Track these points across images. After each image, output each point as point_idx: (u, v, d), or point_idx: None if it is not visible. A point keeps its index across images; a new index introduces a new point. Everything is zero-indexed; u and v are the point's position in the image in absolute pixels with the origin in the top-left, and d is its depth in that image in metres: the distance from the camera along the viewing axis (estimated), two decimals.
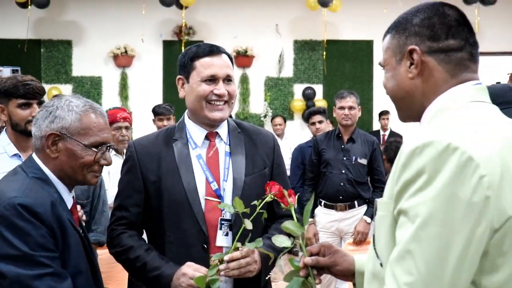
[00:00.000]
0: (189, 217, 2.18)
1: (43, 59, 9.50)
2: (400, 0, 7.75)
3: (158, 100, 9.23)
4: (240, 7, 9.61)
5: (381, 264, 1.34)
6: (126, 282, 3.88)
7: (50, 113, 1.94)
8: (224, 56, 2.27)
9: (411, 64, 1.40)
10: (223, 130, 2.34)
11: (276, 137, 3.05)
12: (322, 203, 4.78)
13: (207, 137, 2.31)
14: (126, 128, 4.30)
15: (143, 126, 7.25)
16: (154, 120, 5.53)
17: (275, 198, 2.00)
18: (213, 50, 2.24)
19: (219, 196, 2.21)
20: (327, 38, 9.55)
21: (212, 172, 2.24)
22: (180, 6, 8.83)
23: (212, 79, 2.22)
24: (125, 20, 9.45)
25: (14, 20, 9.19)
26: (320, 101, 9.65)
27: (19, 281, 1.72)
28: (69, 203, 1.99)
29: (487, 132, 1.24)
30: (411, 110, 1.46)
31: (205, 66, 2.22)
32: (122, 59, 9.52)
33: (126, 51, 9.48)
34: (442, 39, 1.38)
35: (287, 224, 1.88)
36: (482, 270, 1.18)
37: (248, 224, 1.99)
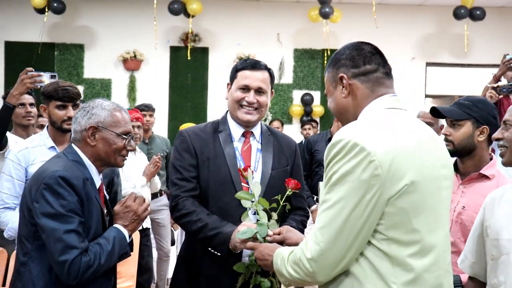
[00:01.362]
0: (231, 192, 2.51)
1: (57, 61, 9.71)
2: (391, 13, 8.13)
3: (164, 101, 9.55)
4: (244, 16, 9.82)
5: None
6: (136, 263, 4.32)
7: (88, 112, 2.43)
8: (262, 71, 2.67)
9: (343, 87, 1.85)
10: (257, 130, 2.73)
11: None
12: (315, 198, 5.23)
13: (243, 135, 2.69)
14: (138, 127, 4.76)
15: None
16: None
17: (293, 191, 2.43)
18: (253, 66, 2.66)
19: (248, 182, 2.53)
20: (325, 47, 9.73)
21: (245, 162, 2.62)
22: (187, 15, 9.08)
23: (246, 88, 2.63)
24: (135, 26, 9.66)
25: (31, 25, 9.40)
26: (317, 107, 9.89)
27: (53, 233, 2.16)
28: (98, 183, 2.44)
29: (386, 130, 1.70)
30: (349, 120, 1.85)
31: (243, 77, 2.64)
32: (131, 63, 9.72)
33: (135, 56, 9.68)
34: (360, 66, 1.84)
35: (241, 194, 2.41)
36: (391, 225, 1.64)
37: (274, 216, 2.39)
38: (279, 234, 2.24)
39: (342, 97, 1.86)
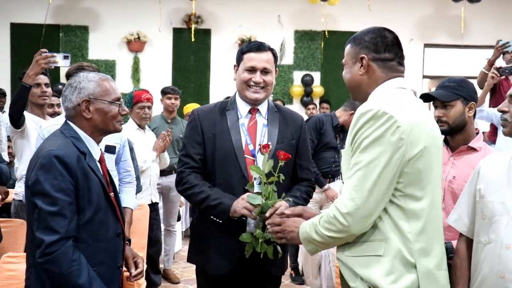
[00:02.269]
0: (234, 165, 2.75)
1: (62, 43, 9.83)
2: None
3: (168, 83, 9.59)
4: None
5: None
6: (146, 235, 4.52)
7: (76, 87, 2.43)
8: (267, 53, 2.83)
9: (361, 66, 2.13)
10: (263, 107, 2.90)
11: None
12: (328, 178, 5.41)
13: (250, 111, 2.88)
14: (148, 107, 4.92)
15: (153, 106, 7.73)
16: (161, 100, 6.04)
17: (284, 162, 2.61)
18: (258, 48, 2.83)
19: (253, 155, 2.78)
20: (325, 29, 9.87)
21: (250, 137, 2.81)
22: None
23: (252, 70, 2.80)
24: (138, 8, 9.77)
25: (36, 7, 9.54)
26: (317, 87, 10.05)
27: (40, 213, 2.20)
28: (97, 155, 2.48)
29: (403, 103, 2.01)
30: (359, 94, 2.19)
31: (249, 59, 2.81)
32: (135, 44, 9.85)
33: (138, 37, 9.80)
34: (381, 52, 2.12)
35: (253, 168, 2.62)
36: (408, 183, 1.96)
37: (273, 187, 2.60)
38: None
39: (359, 74, 2.14)
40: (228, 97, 3.24)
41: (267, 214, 2.50)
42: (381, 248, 1.97)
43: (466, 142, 2.77)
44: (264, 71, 2.81)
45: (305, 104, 9.74)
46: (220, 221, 2.73)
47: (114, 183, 2.64)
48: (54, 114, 5.15)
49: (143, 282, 4.49)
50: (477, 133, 2.82)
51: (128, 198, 3.82)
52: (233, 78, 2.92)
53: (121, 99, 2.53)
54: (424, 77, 10.49)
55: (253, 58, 2.81)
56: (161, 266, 5.65)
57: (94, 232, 2.36)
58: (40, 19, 9.61)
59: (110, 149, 3.61)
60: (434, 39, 10.26)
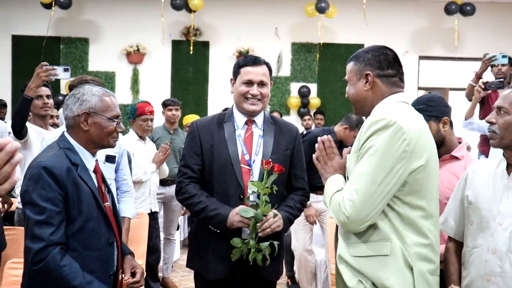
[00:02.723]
0: (231, 175, 2.85)
1: (62, 54, 9.95)
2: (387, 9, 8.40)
3: (167, 94, 9.73)
4: (243, 11, 10.06)
5: None
6: (145, 243, 4.60)
7: (78, 98, 2.49)
8: (262, 66, 2.95)
9: (366, 82, 2.27)
10: (259, 119, 3.00)
11: None
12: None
13: (246, 123, 2.98)
14: (151, 120, 5.02)
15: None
16: (163, 112, 6.13)
17: (278, 174, 2.75)
18: (254, 62, 2.94)
19: (249, 165, 2.89)
20: (322, 41, 10.01)
21: (247, 147, 2.92)
22: (189, 10, 9.35)
23: (249, 83, 2.91)
24: (138, 21, 9.91)
25: (37, 19, 9.67)
26: (314, 99, 10.14)
27: (28, 222, 2.27)
28: (92, 165, 2.53)
29: (408, 115, 2.14)
30: (363, 108, 2.32)
31: (246, 72, 2.92)
32: (134, 56, 9.96)
33: (138, 49, 9.92)
34: (384, 69, 2.26)
35: (253, 183, 2.74)
36: (408, 192, 2.08)
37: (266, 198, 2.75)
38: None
39: (364, 90, 2.28)
40: (226, 109, 3.39)
41: (259, 225, 2.70)
42: (387, 247, 2.08)
43: (448, 152, 2.85)
44: (261, 84, 2.92)
45: (302, 115, 9.85)
46: (218, 231, 2.85)
47: (112, 193, 2.69)
48: (53, 125, 5.26)
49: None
50: (460, 142, 2.92)
51: (126, 208, 3.88)
52: (230, 91, 3.03)
53: (120, 117, 2.59)
54: (419, 88, 10.61)
55: (250, 72, 2.91)
56: (160, 274, 5.73)
57: (84, 240, 2.40)
58: (40, 31, 9.76)
59: (110, 159, 3.67)
60: (428, 52, 10.40)
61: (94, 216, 2.45)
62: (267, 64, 3.00)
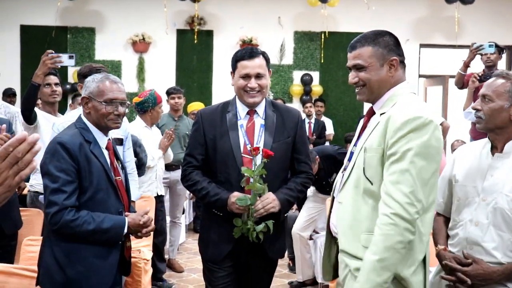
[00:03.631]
0: (233, 165, 2.94)
1: (69, 44, 10.10)
2: None
3: (172, 82, 9.81)
4: (246, 1, 10.17)
5: (371, 183, 2.18)
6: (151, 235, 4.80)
7: (85, 85, 2.83)
8: (259, 58, 2.97)
9: (391, 67, 2.23)
10: (260, 108, 3.06)
11: None
12: None
13: (248, 113, 3.04)
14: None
15: None
16: (167, 100, 6.36)
17: (267, 159, 2.82)
18: (250, 55, 2.96)
19: (251, 154, 2.94)
20: (324, 30, 10.10)
21: (248, 137, 2.99)
22: (194, 0, 9.49)
23: (247, 76, 2.96)
24: (143, 10, 10.03)
25: (45, 9, 9.84)
26: (316, 86, 10.27)
27: (45, 190, 2.61)
28: (103, 143, 2.80)
29: (433, 111, 2.24)
30: (379, 95, 2.27)
31: (243, 66, 2.96)
32: (140, 45, 10.10)
33: (143, 38, 10.05)
34: (401, 54, 2.29)
35: (244, 170, 2.84)
36: None
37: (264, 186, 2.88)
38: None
39: (389, 75, 2.25)
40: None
41: (253, 207, 2.85)
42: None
43: None
44: (258, 76, 2.97)
45: (304, 102, 10.01)
46: (221, 214, 2.99)
47: (126, 169, 2.98)
48: None
49: (149, 268, 4.80)
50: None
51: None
52: (231, 83, 3.09)
53: (117, 101, 2.79)
54: (420, 76, 10.74)
55: (246, 66, 2.96)
56: (166, 256, 5.92)
57: (94, 209, 2.68)
58: (48, 21, 9.91)
59: (118, 141, 3.87)
60: (429, 40, 10.49)
61: (103, 187, 2.72)
62: (264, 54, 3.03)
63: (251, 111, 3.06)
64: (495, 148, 2.51)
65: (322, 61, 10.40)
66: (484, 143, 2.58)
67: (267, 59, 3.05)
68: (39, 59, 4.03)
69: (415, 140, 2.08)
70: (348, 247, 2.25)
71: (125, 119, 5.14)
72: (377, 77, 2.25)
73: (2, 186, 1.33)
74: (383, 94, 2.29)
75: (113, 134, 3.61)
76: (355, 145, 2.38)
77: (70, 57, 4.09)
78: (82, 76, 3.86)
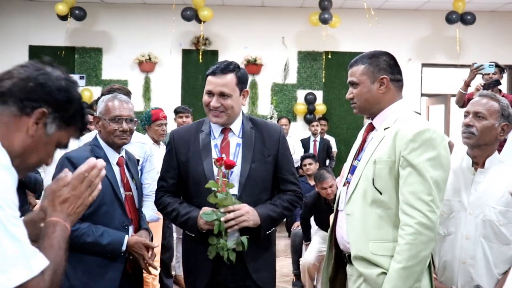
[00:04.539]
0: (205, 191, 2.64)
1: (77, 64, 10.21)
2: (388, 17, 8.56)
3: (177, 101, 9.97)
4: (251, 21, 10.34)
5: (380, 193, 2.29)
6: (160, 242, 4.86)
7: (97, 105, 3.02)
8: (227, 76, 2.69)
9: (381, 85, 2.38)
10: (236, 126, 2.80)
11: None
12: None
13: (222, 131, 2.79)
14: (165, 124, 5.37)
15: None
16: (175, 119, 6.51)
17: (226, 169, 2.62)
18: (216, 72, 2.70)
19: (227, 177, 2.68)
20: (327, 50, 10.28)
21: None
22: (199, 21, 9.65)
23: (210, 93, 2.71)
24: (149, 31, 10.21)
25: (53, 30, 10.03)
26: (320, 105, 10.37)
27: None
28: (114, 159, 2.93)
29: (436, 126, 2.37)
30: (372, 110, 2.43)
31: (208, 82, 2.72)
32: (146, 65, 10.25)
33: (149, 58, 10.20)
34: (395, 74, 2.42)
35: (209, 184, 2.61)
36: None
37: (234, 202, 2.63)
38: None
39: (379, 93, 2.39)
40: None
41: (222, 219, 2.58)
42: None
43: None
44: (222, 95, 2.70)
45: (308, 121, 10.12)
46: (193, 235, 2.75)
47: (142, 187, 3.10)
48: (86, 130, 5.60)
49: (157, 284, 4.91)
50: None
51: (145, 211, 4.06)
52: None
53: (121, 117, 2.93)
54: (422, 95, 10.84)
55: (210, 82, 2.72)
56: (173, 272, 5.98)
57: (98, 221, 2.77)
58: (56, 42, 10.08)
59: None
60: (431, 59, 10.61)
61: (108, 201, 2.81)
62: (237, 72, 2.74)
63: (226, 129, 2.81)
64: (476, 164, 2.63)
65: (325, 80, 10.52)
66: (462, 159, 2.70)
67: (241, 78, 2.76)
68: None
69: (428, 151, 2.22)
70: (361, 254, 2.34)
71: (147, 141, 5.26)
72: (368, 94, 2.41)
73: (82, 205, 1.64)
74: (377, 109, 2.43)
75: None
76: (357, 159, 2.48)
77: (81, 78, 4.25)
78: (102, 96, 4.02)
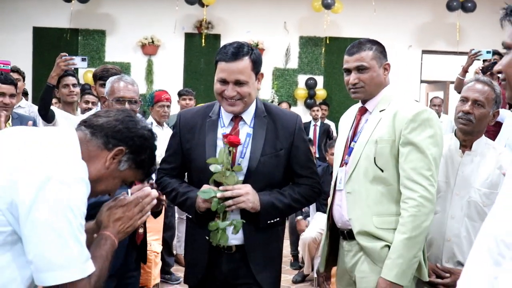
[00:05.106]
0: (209, 178, 2.47)
1: (80, 46, 10.36)
2: (389, 3, 8.68)
3: (179, 84, 10.11)
4: (253, 6, 10.41)
5: (382, 170, 2.44)
6: (162, 220, 4.93)
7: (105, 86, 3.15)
8: (242, 60, 2.42)
9: (385, 70, 2.54)
10: (248, 115, 2.55)
11: None
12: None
13: (232, 120, 2.55)
14: (167, 106, 5.44)
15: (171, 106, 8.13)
16: (178, 101, 6.69)
17: (232, 147, 2.44)
18: (231, 56, 2.42)
19: (236, 160, 2.49)
20: (328, 35, 10.37)
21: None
22: (202, 4, 9.74)
23: (224, 81, 2.44)
24: (152, 14, 10.27)
25: (57, 12, 10.10)
26: (320, 90, 10.50)
27: None
28: None
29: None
30: (374, 92, 2.54)
31: (220, 69, 2.44)
32: (149, 48, 10.35)
33: (152, 41, 10.31)
34: (387, 59, 2.58)
35: (210, 160, 2.44)
36: None
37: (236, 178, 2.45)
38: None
39: (383, 77, 2.55)
40: None
41: (219, 195, 2.41)
42: None
43: None
44: (238, 83, 2.45)
45: (308, 106, 10.23)
46: (190, 216, 2.63)
47: None
48: (87, 110, 5.72)
49: (159, 261, 5.04)
50: None
51: None
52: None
53: (124, 98, 3.00)
54: (422, 81, 10.94)
55: (224, 69, 2.44)
56: (174, 251, 6.09)
57: None
58: (60, 24, 10.18)
59: None
60: (431, 46, 10.70)
61: None
62: (251, 55, 2.47)
63: (237, 118, 2.56)
64: (464, 146, 2.76)
65: (326, 65, 10.62)
66: (450, 140, 2.81)
67: (255, 62, 2.50)
68: (51, 60, 4.20)
69: (427, 130, 2.39)
70: (365, 228, 2.48)
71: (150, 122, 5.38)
72: (377, 78, 2.53)
73: (131, 226, 1.93)
74: (376, 94, 2.57)
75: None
76: (353, 141, 2.61)
77: (83, 60, 4.27)
78: (93, 77, 4.12)
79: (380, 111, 2.53)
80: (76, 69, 9.78)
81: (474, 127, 2.71)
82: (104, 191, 1.90)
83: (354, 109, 2.74)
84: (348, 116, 2.74)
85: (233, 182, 2.43)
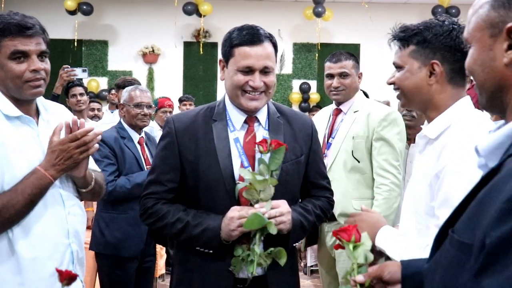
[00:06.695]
0: (224, 199, 2.03)
1: (84, 56, 10.69)
2: (383, 10, 9.05)
3: (179, 91, 10.38)
4: (248, 15, 10.39)
5: (358, 161, 2.99)
6: None
7: (122, 95, 3.67)
8: (266, 44, 2.04)
9: (359, 78, 3.09)
10: (262, 115, 2.15)
11: None
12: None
13: (246, 121, 2.13)
14: (170, 112, 5.91)
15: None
16: (179, 107, 7.19)
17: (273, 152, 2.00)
18: (254, 39, 2.02)
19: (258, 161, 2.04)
20: (321, 42, 10.68)
21: (248, 157, 2.07)
22: (199, 14, 10.10)
23: (249, 70, 2.02)
24: (153, 24, 10.59)
25: (61, 24, 10.39)
26: (314, 94, 10.85)
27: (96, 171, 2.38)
28: (136, 139, 3.53)
29: None
30: (351, 97, 3.10)
31: (243, 56, 2.01)
32: (150, 56, 10.65)
33: (153, 50, 10.62)
34: (359, 70, 3.13)
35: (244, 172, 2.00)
36: None
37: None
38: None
39: (358, 84, 3.18)
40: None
41: (266, 215, 1.94)
42: None
43: None
44: (265, 71, 2.05)
45: (303, 109, 10.61)
46: (211, 251, 2.06)
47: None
48: (94, 117, 6.19)
49: (164, 254, 5.44)
50: None
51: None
52: (220, 77, 2.21)
53: (142, 104, 3.52)
54: None
55: (249, 55, 2.02)
56: None
57: None
58: (64, 35, 10.49)
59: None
60: None
61: (135, 171, 3.45)
62: (271, 39, 2.10)
63: (251, 119, 2.15)
64: (409, 140, 3.25)
65: (319, 70, 10.88)
66: None
67: (275, 45, 2.14)
68: (55, 70, 4.47)
69: (395, 128, 2.92)
70: (346, 210, 2.94)
71: (154, 126, 5.81)
72: (354, 84, 3.11)
73: (70, 159, 1.91)
74: (351, 97, 3.10)
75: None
76: (331, 137, 3.11)
77: (84, 71, 4.66)
78: (116, 86, 4.59)
79: (354, 112, 3.05)
80: (80, 79, 10.16)
81: (417, 122, 3.26)
82: None
83: (326, 110, 3.24)
84: (321, 117, 3.24)
85: (269, 197, 1.98)
